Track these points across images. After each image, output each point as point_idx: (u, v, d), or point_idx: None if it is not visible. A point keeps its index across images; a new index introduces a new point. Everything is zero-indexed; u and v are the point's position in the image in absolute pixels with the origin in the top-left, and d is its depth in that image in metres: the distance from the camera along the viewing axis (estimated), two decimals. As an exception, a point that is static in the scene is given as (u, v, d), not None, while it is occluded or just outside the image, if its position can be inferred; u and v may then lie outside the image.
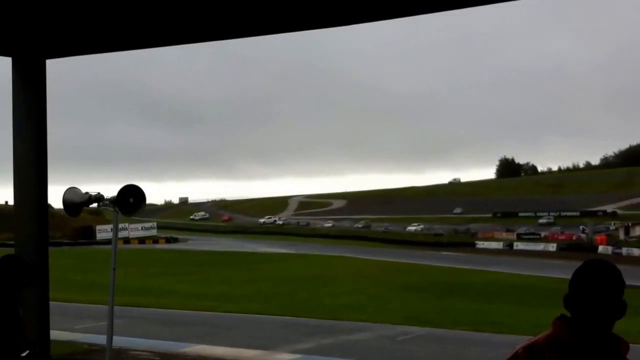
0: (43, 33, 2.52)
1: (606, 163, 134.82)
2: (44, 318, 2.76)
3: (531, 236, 74.29)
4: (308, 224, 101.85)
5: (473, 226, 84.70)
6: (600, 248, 62.68)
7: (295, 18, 2.38)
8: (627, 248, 61.41)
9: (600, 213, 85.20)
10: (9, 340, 1.77)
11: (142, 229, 78.88)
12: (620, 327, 2.13)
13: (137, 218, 64.53)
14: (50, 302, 2.81)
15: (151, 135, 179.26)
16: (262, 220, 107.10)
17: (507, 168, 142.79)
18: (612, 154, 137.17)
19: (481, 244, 71.03)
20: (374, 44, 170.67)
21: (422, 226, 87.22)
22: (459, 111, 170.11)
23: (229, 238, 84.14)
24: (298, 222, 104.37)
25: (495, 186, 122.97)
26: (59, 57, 2.80)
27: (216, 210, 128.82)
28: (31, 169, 2.71)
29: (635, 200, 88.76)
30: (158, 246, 68.79)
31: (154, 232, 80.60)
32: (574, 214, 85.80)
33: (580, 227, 73.20)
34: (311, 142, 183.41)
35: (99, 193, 4.64)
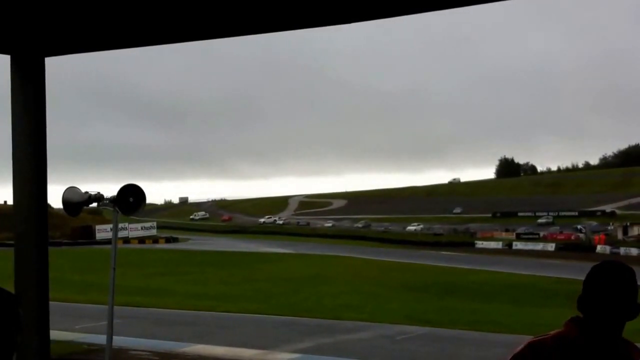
0: (42, 30, 2.51)
1: (605, 163, 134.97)
2: (44, 318, 2.75)
3: (530, 236, 74.36)
4: (308, 223, 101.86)
5: (472, 226, 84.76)
6: (599, 248, 62.72)
7: (291, 17, 2.37)
8: (625, 248, 61.46)
9: (598, 213, 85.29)
10: (9, 340, 1.77)
11: (142, 228, 78.81)
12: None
13: (137, 218, 64.49)
14: (50, 302, 2.80)
15: (141, 135, 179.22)
16: (262, 220, 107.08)
17: (507, 168, 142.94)
18: (611, 154, 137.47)
19: (480, 244, 71.08)
20: (364, 43, 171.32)
21: (421, 226, 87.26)
22: (452, 111, 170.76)
23: (229, 238, 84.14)
24: (298, 222, 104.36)
25: (494, 186, 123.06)
26: (58, 55, 2.79)
27: (216, 210, 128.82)
28: (30, 168, 2.70)
29: (633, 200, 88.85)
30: (158, 246, 68.77)
31: (153, 232, 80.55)
32: (573, 213, 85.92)
33: (578, 227, 73.40)
34: (306, 141, 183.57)
35: (98, 192, 4.64)
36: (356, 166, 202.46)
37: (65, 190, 4.48)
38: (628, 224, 71.26)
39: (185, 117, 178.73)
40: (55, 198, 4.48)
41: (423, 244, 70.33)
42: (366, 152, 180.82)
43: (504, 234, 76.95)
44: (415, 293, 30.29)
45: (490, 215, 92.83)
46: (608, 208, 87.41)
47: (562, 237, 72.08)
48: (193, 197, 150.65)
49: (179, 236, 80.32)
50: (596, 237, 67.15)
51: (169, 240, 75.36)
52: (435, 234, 79.99)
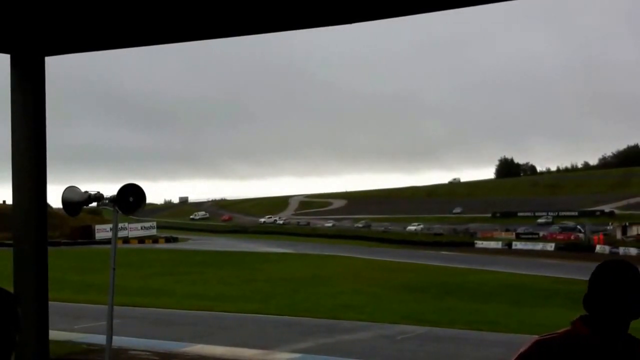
0: (42, 30, 2.51)
1: (604, 163, 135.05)
2: (43, 318, 2.74)
3: (530, 236, 74.42)
4: (308, 223, 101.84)
5: (472, 226, 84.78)
6: (598, 248, 62.77)
7: (292, 17, 2.37)
8: (624, 248, 61.51)
9: (598, 213, 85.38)
10: (8, 339, 1.77)
11: (141, 228, 78.74)
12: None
13: (137, 218, 64.45)
14: (49, 302, 2.80)
15: (133, 136, 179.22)
16: (262, 220, 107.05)
17: (507, 168, 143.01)
18: (610, 154, 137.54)
19: (480, 244, 71.12)
20: (356, 46, 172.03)
21: (421, 226, 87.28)
22: (446, 113, 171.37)
23: (229, 238, 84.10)
24: (298, 222, 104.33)
25: (494, 186, 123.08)
26: (58, 55, 2.78)
27: (216, 209, 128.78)
28: (30, 168, 2.69)
29: (632, 200, 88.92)
30: (157, 246, 68.73)
31: (153, 232, 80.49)
32: (573, 213, 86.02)
33: (577, 227, 73.74)
34: (301, 142, 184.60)
35: (98, 192, 4.63)
36: (353, 167, 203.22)
37: (65, 190, 4.47)
38: (627, 223, 71.35)
39: (177, 119, 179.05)
40: (54, 198, 4.48)
41: (423, 244, 70.34)
42: (362, 153, 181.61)
43: (503, 234, 77.00)
44: (415, 293, 30.28)
45: (490, 215, 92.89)
46: (607, 208, 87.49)
47: (561, 237, 72.16)
48: (193, 197, 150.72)
49: (179, 236, 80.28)
50: (595, 237, 67.25)
51: (168, 240, 75.31)
52: (435, 234, 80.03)
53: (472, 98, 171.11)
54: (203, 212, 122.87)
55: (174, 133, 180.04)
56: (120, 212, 4.71)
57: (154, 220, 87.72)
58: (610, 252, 59.69)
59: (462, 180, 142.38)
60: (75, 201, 4.50)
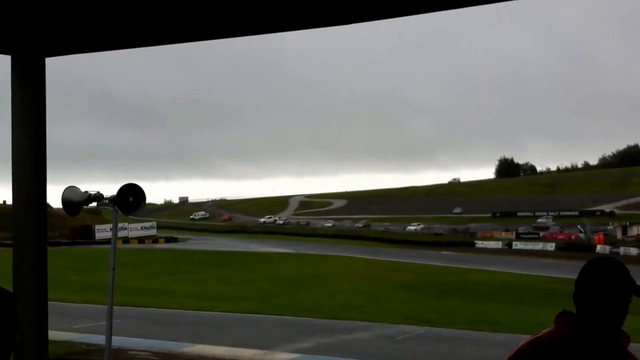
0: (43, 31, 2.51)
1: (604, 163, 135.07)
2: (42, 318, 2.75)
3: (530, 236, 74.43)
4: (308, 223, 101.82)
5: (472, 226, 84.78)
6: (598, 247, 62.79)
7: (293, 17, 2.37)
8: (624, 247, 61.52)
9: (598, 213, 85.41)
10: (8, 339, 1.77)
11: (141, 228, 78.71)
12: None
13: (137, 218, 64.41)
14: (49, 302, 2.80)
15: (126, 136, 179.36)
16: (262, 219, 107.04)
17: (506, 168, 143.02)
18: (610, 154, 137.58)
19: (480, 244, 71.13)
20: (346, 46, 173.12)
21: (421, 226, 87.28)
22: (439, 113, 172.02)
23: (229, 238, 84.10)
24: (298, 222, 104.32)
25: (493, 186, 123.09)
26: (58, 56, 2.79)
27: (216, 209, 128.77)
28: (30, 168, 2.69)
29: (632, 200, 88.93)
30: (157, 246, 68.73)
31: (153, 232, 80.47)
32: (573, 213, 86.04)
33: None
34: (295, 143, 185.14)
35: (98, 192, 4.64)
36: (350, 167, 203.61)
37: (65, 190, 4.47)
38: (627, 223, 71.38)
39: (174, 120, 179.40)
40: (54, 198, 4.48)
41: (423, 244, 70.36)
42: (358, 153, 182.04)
43: (503, 233, 77.01)
44: (415, 293, 30.29)
45: (490, 215, 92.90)
46: (607, 208, 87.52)
47: (561, 237, 72.20)
48: (193, 197, 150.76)
49: (179, 236, 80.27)
50: (595, 237, 67.32)
51: (168, 240, 75.30)
52: (435, 234, 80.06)
53: (467, 98, 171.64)
54: (203, 212, 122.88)
55: (170, 134, 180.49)
56: (120, 212, 4.72)
57: (153, 220, 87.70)
58: (611, 252, 59.70)
59: (461, 180, 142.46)
60: (75, 201, 4.50)
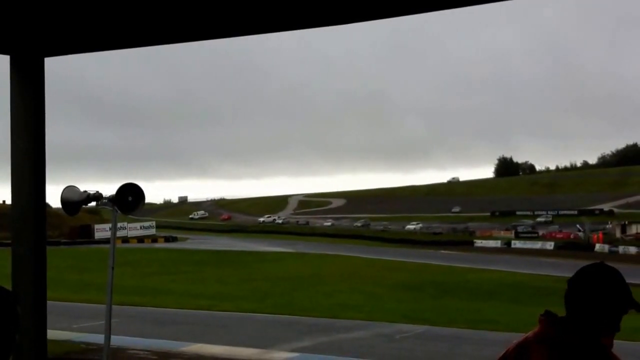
0: (42, 31, 2.51)
1: (603, 162, 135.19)
2: (41, 317, 2.75)
3: (529, 235, 74.50)
4: (307, 223, 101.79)
5: (471, 225, 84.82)
6: (597, 246, 62.84)
7: (292, 16, 2.38)
8: (623, 246, 61.57)
9: (597, 212, 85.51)
10: (7, 338, 1.78)
11: (141, 228, 78.70)
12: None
13: (136, 217, 64.45)
14: (47, 302, 2.81)
15: (120, 136, 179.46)
16: (261, 219, 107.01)
17: (505, 167, 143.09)
18: (609, 153, 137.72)
19: (479, 243, 71.16)
20: (337, 47, 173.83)
21: (420, 225, 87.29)
22: (431, 113, 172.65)
23: (228, 237, 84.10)
24: (297, 221, 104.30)
25: (492, 185, 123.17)
26: (57, 55, 2.79)
27: (215, 209, 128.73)
28: (29, 168, 2.70)
29: (631, 199, 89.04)
30: (156, 245, 68.71)
31: (153, 231, 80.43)
32: (572, 212, 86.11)
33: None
34: (289, 143, 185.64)
35: (97, 191, 4.65)
36: (345, 167, 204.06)
37: (64, 190, 4.48)
38: (626, 222, 71.47)
39: (169, 120, 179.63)
40: (54, 197, 4.48)
41: (422, 243, 70.39)
42: (353, 153, 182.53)
43: (502, 232, 77.05)
44: (413, 292, 30.31)
45: (489, 214, 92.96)
46: (606, 207, 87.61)
47: (560, 235, 72.26)
48: (192, 197, 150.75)
49: (178, 235, 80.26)
50: (594, 235, 67.40)
51: (167, 239, 75.30)
52: (434, 233, 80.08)
53: (460, 98, 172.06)
54: (202, 212, 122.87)
55: (162, 134, 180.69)
56: (119, 211, 4.72)
57: (153, 220, 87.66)
58: (610, 251, 59.80)
59: (460, 179, 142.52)
60: (74, 201, 4.51)
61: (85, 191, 4.60)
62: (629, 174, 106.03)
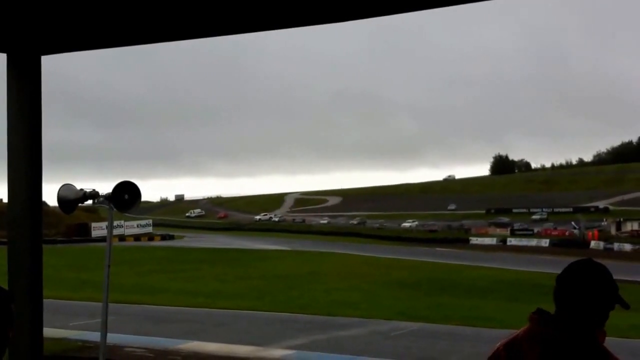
0: (39, 29, 2.52)
1: (599, 160, 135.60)
2: (37, 316, 2.76)
3: (524, 232, 74.70)
4: (303, 220, 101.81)
5: (467, 222, 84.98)
6: (593, 243, 63.04)
7: (289, 15, 2.39)
8: (618, 243, 61.80)
9: (592, 209, 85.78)
10: (1, 335, 1.78)
11: (137, 226, 78.63)
12: (607, 321, 2.15)
13: (133, 216, 64.37)
14: (44, 300, 2.82)
15: (110, 135, 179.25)
16: (257, 217, 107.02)
17: (501, 165, 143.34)
18: (604, 150, 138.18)
19: (475, 240, 71.31)
20: (326, 46, 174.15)
21: (416, 222, 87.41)
22: (422, 111, 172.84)
23: (225, 235, 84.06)
24: (294, 219, 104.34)
25: (488, 183, 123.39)
26: (54, 54, 2.80)
27: (212, 207, 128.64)
28: (25, 166, 2.71)
29: (626, 196, 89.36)
30: (153, 243, 68.64)
31: (149, 230, 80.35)
32: (567, 210, 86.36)
33: (571, 223, 74.99)
34: (282, 142, 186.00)
35: (93, 190, 4.64)
36: (342, 165, 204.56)
37: (60, 188, 4.48)
38: (621, 219, 71.72)
39: (169, 120, 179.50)
40: (51, 196, 4.48)
41: (418, 241, 70.53)
42: (347, 152, 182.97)
43: (498, 230, 77.21)
44: (409, 289, 30.38)
45: (484, 211, 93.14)
46: (601, 204, 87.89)
47: (556, 233, 72.46)
48: (189, 195, 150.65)
49: (175, 234, 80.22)
50: (590, 232, 67.65)
51: (164, 237, 75.27)
52: (430, 231, 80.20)
53: (452, 97, 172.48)
54: (199, 210, 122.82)
55: (159, 133, 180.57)
56: (115, 209, 4.72)
57: (150, 218, 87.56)
58: (605, 248, 60.01)
59: (456, 177, 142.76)
60: (70, 199, 4.50)
61: (81, 189, 4.60)
62: (624, 171, 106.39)
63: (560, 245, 62.44)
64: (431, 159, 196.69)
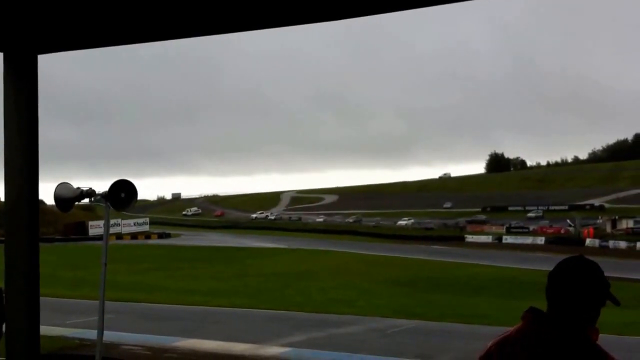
0: (35, 28, 2.53)
1: (594, 158, 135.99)
2: (34, 314, 2.77)
3: (520, 230, 74.89)
4: (300, 218, 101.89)
5: (462, 220, 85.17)
6: (588, 241, 63.27)
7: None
8: (614, 241, 62.03)
9: (588, 207, 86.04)
10: None
11: (134, 224, 78.57)
12: (601, 319, 2.17)
13: (130, 214, 64.27)
14: (41, 298, 2.83)
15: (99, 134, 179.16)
16: (254, 215, 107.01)
17: (497, 163, 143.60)
18: (600, 148, 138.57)
19: (470, 238, 71.49)
20: (316, 45, 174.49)
21: (412, 220, 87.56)
22: (414, 110, 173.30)
23: (221, 233, 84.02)
24: (290, 217, 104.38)
25: (484, 181, 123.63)
26: (51, 52, 2.81)
27: (208, 205, 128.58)
28: (22, 165, 2.72)
29: (621, 194, 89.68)
30: (150, 242, 68.57)
31: (146, 228, 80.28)
32: (563, 207, 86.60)
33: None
34: (276, 141, 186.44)
35: (90, 188, 4.65)
36: (337, 163, 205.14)
37: (57, 186, 4.48)
38: (616, 217, 71.97)
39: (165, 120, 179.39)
40: (48, 195, 4.49)
41: (414, 239, 70.64)
42: (342, 150, 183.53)
43: (494, 227, 77.40)
44: (405, 287, 30.45)
45: (480, 209, 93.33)
46: (597, 202, 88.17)
47: (551, 230, 72.68)
48: (186, 193, 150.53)
49: (172, 232, 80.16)
50: (585, 230, 67.88)
51: (161, 236, 75.24)
52: (426, 229, 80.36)
53: (443, 96, 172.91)
54: (195, 208, 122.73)
55: (151, 132, 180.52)
56: (111, 207, 4.73)
57: (146, 217, 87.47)
58: (600, 246, 60.25)
59: (452, 175, 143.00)
60: (67, 197, 4.51)
61: (78, 188, 4.61)
62: (619, 169, 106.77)
63: (556, 243, 62.66)
64: (425, 158, 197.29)
